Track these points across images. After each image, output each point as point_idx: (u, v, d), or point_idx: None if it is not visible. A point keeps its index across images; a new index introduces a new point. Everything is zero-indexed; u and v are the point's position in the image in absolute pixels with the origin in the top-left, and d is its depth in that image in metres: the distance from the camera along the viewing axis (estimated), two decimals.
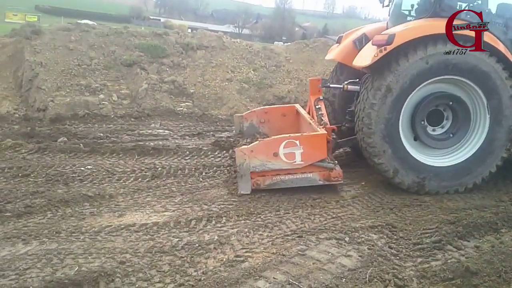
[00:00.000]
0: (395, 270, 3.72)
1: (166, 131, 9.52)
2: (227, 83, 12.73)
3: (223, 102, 12.01)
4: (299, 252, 3.97)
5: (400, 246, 4.18)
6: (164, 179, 6.17)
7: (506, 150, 5.73)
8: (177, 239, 4.26)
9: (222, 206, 5.18)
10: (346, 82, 6.66)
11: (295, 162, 5.56)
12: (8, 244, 4.11)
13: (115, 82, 12.02)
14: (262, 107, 8.63)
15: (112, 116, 10.56)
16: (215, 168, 6.66)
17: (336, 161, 5.84)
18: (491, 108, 5.62)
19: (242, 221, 4.72)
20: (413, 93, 5.56)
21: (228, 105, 11.88)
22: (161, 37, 13.96)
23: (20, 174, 6.06)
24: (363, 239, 4.30)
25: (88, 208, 5.07)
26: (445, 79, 5.58)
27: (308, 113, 7.12)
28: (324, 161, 5.65)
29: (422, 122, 5.72)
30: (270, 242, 4.19)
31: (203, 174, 6.42)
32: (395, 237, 4.37)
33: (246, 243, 4.17)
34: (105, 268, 3.61)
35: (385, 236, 4.39)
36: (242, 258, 3.85)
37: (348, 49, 6.79)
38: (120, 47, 13.04)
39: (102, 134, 8.91)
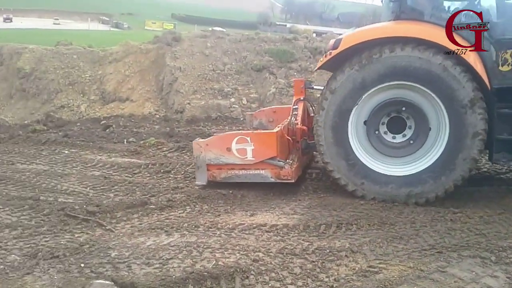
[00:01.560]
0: None
1: None
2: None
3: None
4: (439, 268, 3.71)
5: None
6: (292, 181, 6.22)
7: (476, 148, 5.07)
8: (307, 242, 4.25)
9: (352, 213, 5.06)
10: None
11: (247, 158, 5.69)
12: (153, 234, 4.46)
13: (245, 86, 12.51)
14: (270, 107, 8.43)
15: (242, 118, 10.99)
16: None
17: (292, 161, 5.79)
18: (445, 106, 5.10)
19: (374, 231, 4.55)
20: (360, 99, 5.31)
21: None
22: (290, 42, 14.21)
23: (162, 171, 6.57)
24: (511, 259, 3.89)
25: (222, 206, 5.31)
26: (404, 84, 5.19)
27: None
28: (275, 159, 5.66)
29: (376, 132, 5.44)
30: (406, 256, 3.97)
31: (332, 179, 6.33)
32: None
33: (380, 254, 4.00)
34: (240, 265, 3.72)
35: None
36: (376, 269, 3.71)
37: None
38: (251, 53, 13.53)
39: None
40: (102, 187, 5.82)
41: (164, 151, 7.62)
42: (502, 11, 5.57)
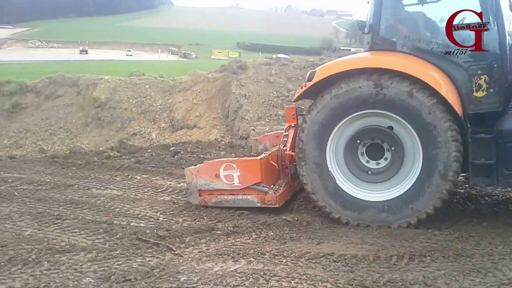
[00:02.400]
0: None
1: None
2: None
3: None
4: None
5: None
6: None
7: (452, 172, 5.09)
8: (378, 274, 4.10)
9: (425, 244, 4.83)
10: None
11: (234, 183, 5.94)
12: (220, 260, 4.49)
13: None
14: (274, 132, 8.52)
15: None
16: None
17: (279, 186, 6.01)
18: (417, 132, 5.17)
19: (449, 263, 4.31)
20: (335, 129, 5.47)
21: None
22: None
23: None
24: None
25: (288, 233, 5.26)
26: (376, 113, 5.31)
27: None
28: (260, 184, 5.87)
29: (354, 157, 5.55)
30: None
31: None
32: None
33: None
34: None
35: None
36: None
37: None
38: None
39: None
40: (171, 212, 5.98)
41: None
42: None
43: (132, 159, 9.71)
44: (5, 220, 5.53)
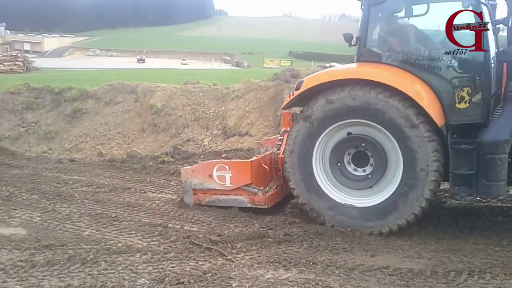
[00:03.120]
0: None
1: None
2: None
3: None
4: None
5: None
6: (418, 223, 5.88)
7: (430, 182, 5.16)
8: None
9: (485, 260, 4.62)
10: None
11: (226, 184, 6.23)
12: (271, 268, 4.48)
13: None
14: (277, 136, 8.27)
15: None
16: (483, 217, 6.06)
17: (269, 188, 6.26)
18: (398, 142, 5.29)
19: (511, 281, 4.09)
20: (320, 137, 5.66)
21: None
22: None
23: (278, 204, 6.63)
24: None
25: (340, 243, 5.17)
26: (361, 122, 5.48)
27: None
28: (250, 186, 6.14)
29: (339, 164, 5.68)
30: None
31: (463, 222, 5.88)
32: None
33: None
34: None
35: None
36: None
37: None
38: None
39: None
40: (223, 218, 6.03)
41: None
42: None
43: (186, 165, 9.89)
44: (65, 220, 5.79)
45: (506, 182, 5.12)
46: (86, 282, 4.09)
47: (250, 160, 6.49)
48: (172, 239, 5.16)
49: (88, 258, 4.53)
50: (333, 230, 5.48)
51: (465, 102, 5.30)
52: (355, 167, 5.73)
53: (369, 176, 5.62)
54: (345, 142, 5.66)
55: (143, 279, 4.16)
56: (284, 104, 6.24)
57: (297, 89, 5.85)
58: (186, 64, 73.44)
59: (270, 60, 73.47)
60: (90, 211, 6.11)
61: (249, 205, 6.21)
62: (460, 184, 5.23)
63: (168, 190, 7.47)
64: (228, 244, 5.06)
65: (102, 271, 4.32)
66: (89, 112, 14.26)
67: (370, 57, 5.74)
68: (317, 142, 5.71)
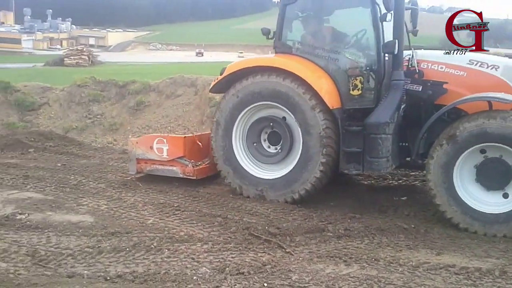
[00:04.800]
0: None
1: None
2: None
3: None
4: None
5: None
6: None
7: (323, 155, 5.97)
8: None
9: None
10: None
11: (163, 155, 7.06)
12: (332, 262, 4.43)
13: None
14: None
15: None
16: None
17: (202, 163, 7.10)
18: (299, 122, 6.09)
19: None
20: (237, 120, 6.52)
21: None
22: None
23: (338, 197, 6.54)
24: None
25: (403, 240, 5.03)
26: (272, 105, 6.31)
27: None
28: (183, 158, 6.98)
29: (255, 144, 6.55)
30: None
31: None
32: None
33: None
34: None
35: None
36: None
37: None
38: None
39: None
40: (281, 210, 6.01)
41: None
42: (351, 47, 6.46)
43: None
44: (131, 209, 5.99)
45: (387, 159, 5.82)
46: (150, 269, 4.22)
47: (184, 136, 7.50)
48: (231, 230, 5.22)
49: (152, 246, 4.67)
50: (396, 227, 5.34)
51: (358, 90, 6.05)
52: (269, 144, 6.60)
53: (279, 152, 6.45)
54: (261, 122, 6.50)
55: (204, 268, 4.24)
56: (210, 87, 7.14)
57: (221, 74, 6.69)
58: (243, 57, 73.08)
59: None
60: (153, 200, 6.29)
61: (181, 175, 7.01)
62: (351, 161, 6.01)
63: (226, 182, 7.54)
64: (287, 237, 5.05)
65: (165, 259, 4.44)
66: (151, 105, 14.64)
67: (283, 49, 6.56)
68: (236, 122, 6.53)
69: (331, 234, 5.17)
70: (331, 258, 4.52)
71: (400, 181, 7.50)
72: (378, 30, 5.92)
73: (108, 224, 5.32)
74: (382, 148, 5.75)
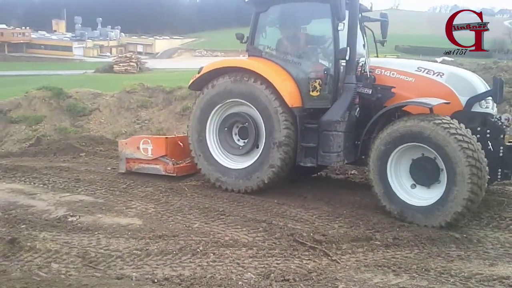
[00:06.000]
0: None
1: None
2: None
3: None
4: None
5: None
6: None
7: (282, 151, 6.62)
8: None
9: None
10: None
11: (148, 155, 7.81)
12: (380, 272, 4.32)
13: None
14: None
15: None
16: None
17: (182, 162, 7.84)
18: (263, 119, 6.77)
19: None
20: (211, 115, 7.22)
21: None
22: None
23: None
24: None
25: (455, 250, 4.85)
26: (240, 102, 6.99)
27: None
28: (165, 157, 7.74)
29: (227, 138, 7.23)
30: None
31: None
32: None
33: None
34: None
35: None
36: None
37: None
38: (489, 83, 12.29)
39: None
40: (327, 217, 5.94)
41: None
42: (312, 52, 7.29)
43: None
44: (177, 213, 6.08)
45: (338, 154, 6.43)
46: (196, 273, 4.26)
47: (166, 137, 8.42)
48: (276, 235, 5.19)
49: (198, 250, 4.72)
50: (447, 236, 5.16)
51: (316, 91, 6.66)
52: (239, 138, 7.22)
53: (245, 145, 7.07)
54: (232, 117, 7.14)
55: (249, 273, 4.23)
56: (189, 84, 7.74)
57: (198, 73, 7.38)
58: None
59: (374, 56, 71.17)
60: (199, 205, 6.35)
61: (163, 172, 7.70)
62: (307, 155, 6.65)
63: (270, 189, 7.52)
64: (333, 244, 4.98)
65: (211, 263, 4.47)
66: None
67: (254, 52, 7.19)
68: (209, 118, 7.20)
69: (378, 243, 5.06)
70: (379, 268, 4.41)
71: None
72: (335, 38, 6.55)
73: (156, 227, 5.42)
74: (333, 144, 6.40)
